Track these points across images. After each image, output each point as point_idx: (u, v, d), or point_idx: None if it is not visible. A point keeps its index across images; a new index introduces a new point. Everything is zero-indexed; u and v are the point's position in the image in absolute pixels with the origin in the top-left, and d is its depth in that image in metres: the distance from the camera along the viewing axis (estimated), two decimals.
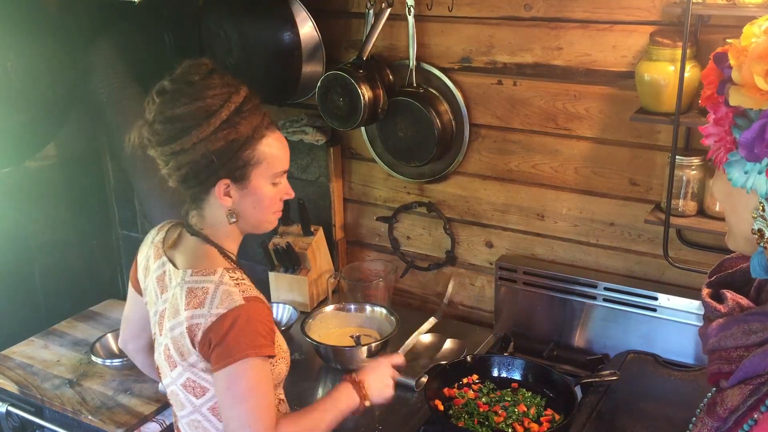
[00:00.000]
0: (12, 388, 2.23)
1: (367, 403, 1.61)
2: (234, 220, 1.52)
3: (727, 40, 0.96)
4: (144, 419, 2.07)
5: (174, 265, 1.55)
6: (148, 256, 1.62)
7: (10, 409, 2.25)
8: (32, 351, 2.40)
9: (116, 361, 2.24)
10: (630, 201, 2.14)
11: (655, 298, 2.10)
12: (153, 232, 1.67)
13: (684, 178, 1.94)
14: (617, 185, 2.14)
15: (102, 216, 3.02)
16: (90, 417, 2.07)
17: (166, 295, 1.53)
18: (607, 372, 2.02)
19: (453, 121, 2.31)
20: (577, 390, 1.95)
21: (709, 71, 0.98)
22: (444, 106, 2.29)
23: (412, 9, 2.18)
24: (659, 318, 2.11)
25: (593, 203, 2.20)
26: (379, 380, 1.66)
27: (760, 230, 0.96)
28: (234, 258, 1.56)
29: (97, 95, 2.49)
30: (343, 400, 1.59)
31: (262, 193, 1.51)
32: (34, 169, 2.72)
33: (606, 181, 2.16)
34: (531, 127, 2.22)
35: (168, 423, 2.09)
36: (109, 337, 2.36)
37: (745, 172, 0.93)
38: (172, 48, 2.69)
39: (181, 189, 1.51)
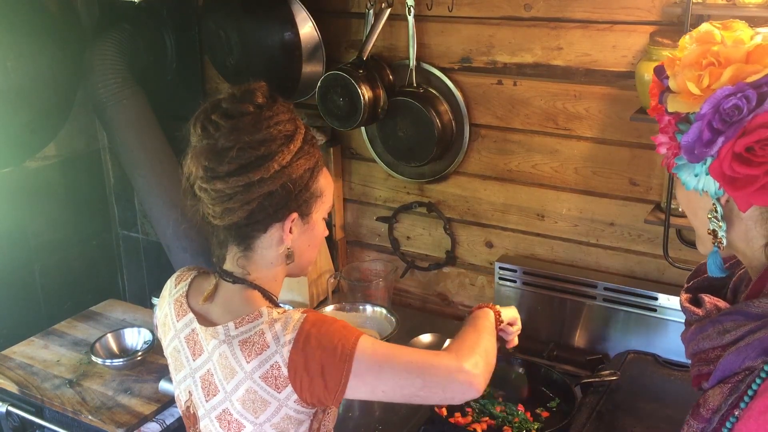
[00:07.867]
0: (12, 388, 2.23)
1: (501, 319, 1.54)
2: (291, 261, 1.38)
3: (666, 53, 1.00)
4: (144, 419, 2.07)
5: (204, 319, 1.37)
6: (166, 314, 1.44)
7: (10, 409, 2.25)
8: (32, 351, 2.40)
9: (116, 361, 2.24)
10: (630, 201, 2.14)
11: (655, 298, 2.10)
12: (169, 285, 1.48)
13: None
14: (617, 185, 2.14)
15: (102, 216, 3.02)
16: (90, 417, 2.07)
17: (204, 357, 1.35)
18: (607, 372, 2.02)
19: (453, 121, 2.31)
20: (577, 390, 1.95)
21: (653, 84, 1.02)
22: (444, 106, 2.29)
23: (412, 9, 2.18)
24: (659, 318, 2.11)
25: (593, 203, 2.20)
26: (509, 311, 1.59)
27: (713, 230, 0.98)
28: (276, 301, 1.40)
29: (97, 95, 2.49)
30: (480, 316, 1.50)
31: (318, 229, 1.41)
32: (34, 169, 2.73)
33: (606, 181, 2.16)
34: (531, 127, 2.22)
35: (168, 423, 2.09)
36: (109, 337, 2.36)
37: (695, 175, 0.96)
38: (172, 48, 2.69)
39: (233, 228, 1.33)
